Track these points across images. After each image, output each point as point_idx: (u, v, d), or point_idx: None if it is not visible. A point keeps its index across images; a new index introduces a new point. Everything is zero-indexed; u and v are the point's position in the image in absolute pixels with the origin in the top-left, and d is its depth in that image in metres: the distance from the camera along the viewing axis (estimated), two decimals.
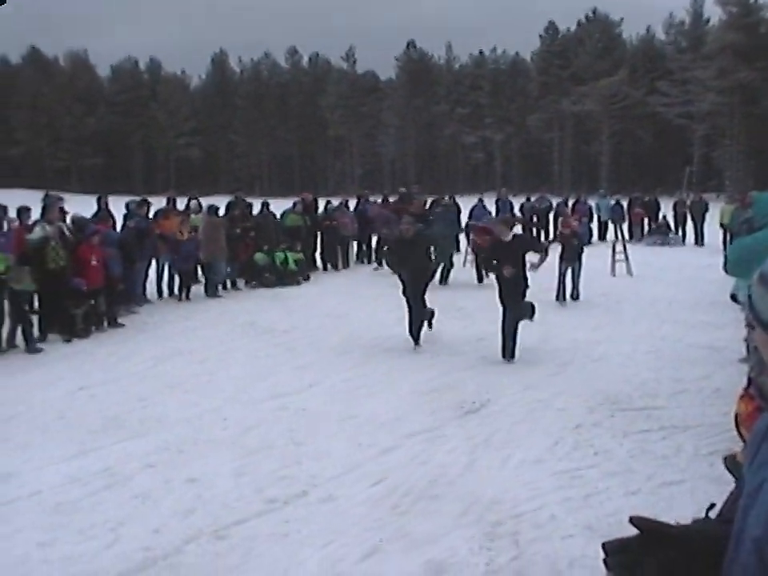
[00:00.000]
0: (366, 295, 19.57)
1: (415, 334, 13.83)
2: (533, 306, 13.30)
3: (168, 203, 22.45)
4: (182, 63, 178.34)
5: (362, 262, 26.70)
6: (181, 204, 23.19)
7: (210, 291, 20.36)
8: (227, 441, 9.06)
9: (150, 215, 20.17)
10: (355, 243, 27.17)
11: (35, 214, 16.40)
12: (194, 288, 20.22)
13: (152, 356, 13.66)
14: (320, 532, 6.62)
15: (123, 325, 16.33)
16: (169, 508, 7.16)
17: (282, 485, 7.64)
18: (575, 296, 18.22)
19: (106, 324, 16.04)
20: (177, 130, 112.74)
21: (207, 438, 9.19)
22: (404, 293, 14.02)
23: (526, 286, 12.87)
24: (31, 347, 14.08)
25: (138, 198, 20.94)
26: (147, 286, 19.47)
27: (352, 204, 27.60)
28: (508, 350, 12.67)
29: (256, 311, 17.87)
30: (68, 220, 17.11)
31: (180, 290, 19.98)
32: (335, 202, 27.41)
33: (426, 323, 14.26)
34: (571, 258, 17.90)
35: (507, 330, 12.74)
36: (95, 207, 19.86)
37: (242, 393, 11.11)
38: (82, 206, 23.85)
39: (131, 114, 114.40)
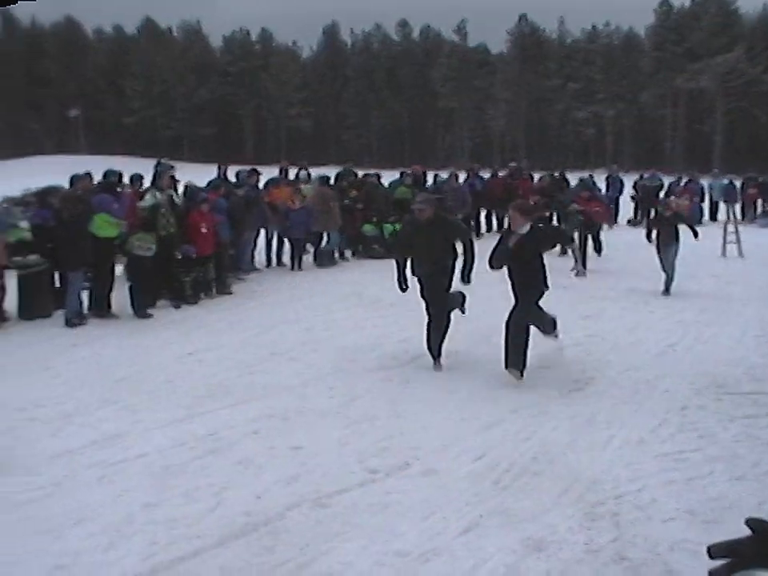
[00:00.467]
0: (474, 270, 19.47)
1: (435, 348, 11.27)
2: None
3: (281, 173, 22.64)
4: (294, 34, 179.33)
5: None
6: (292, 174, 23.35)
7: (320, 261, 20.49)
8: (332, 410, 9.13)
9: (260, 185, 20.39)
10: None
11: (147, 182, 16.70)
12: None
13: (259, 324, 13.84)
14: (420, 505, 6.65)
15: (231, 292, 16.57)
16: (272, 475, 7.26)
17: (384, 456, 7.70)
18: (670, 279, 16.58)
19: (214, 291, 16.28)
20: (288, 100, 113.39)
21: (312, 406, 9.28)
22: (422, 295, 11.41)
23: (543, 287, 10.64)
24: (141, 312, 14.35)
25: (248, 168, 21.17)
26: (256, 254, 19.72)
27: (461, 177, 27.41)
28: (511, 359, 10.39)
29: (363, 282, 17.91)
30: (180, 188, 17.38)
31: (292, 259, 20.12)
32: (444, 174, 27.28)
33: (459, 308, 11.70)
34: (668, 240, 16.40)
35: (512, 331, 10.43)
36: (215, 175, 20.14)
37: (347, 363, 11.19)
38: (194, 174, 24.14)
39: (243, 84, 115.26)
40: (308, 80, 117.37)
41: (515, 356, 10.31)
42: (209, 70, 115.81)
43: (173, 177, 17.09)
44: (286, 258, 20.32)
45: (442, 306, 11.27)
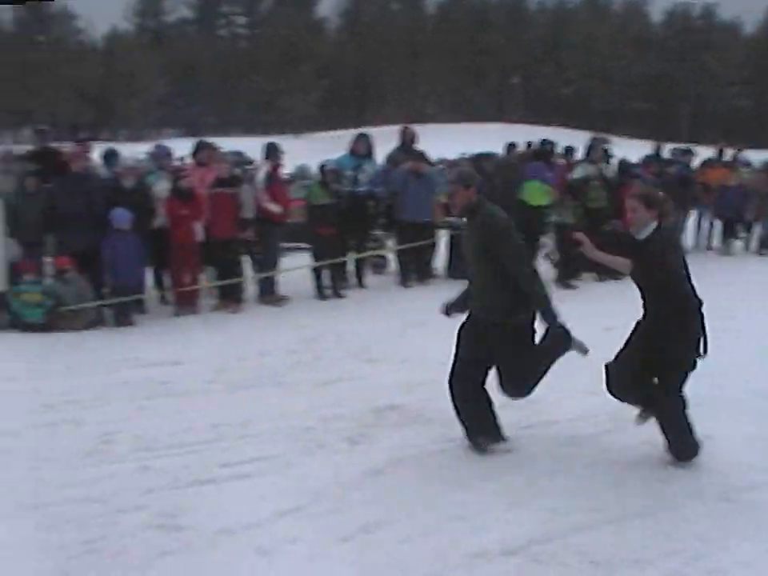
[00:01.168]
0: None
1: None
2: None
3: (718, 154, 22.03)
4: (738, 10, 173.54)
5: None
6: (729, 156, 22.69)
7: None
8: (746, 401, 8.77)
9: (694, 165, 20.01)
10: None
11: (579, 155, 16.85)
12: None
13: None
14: None
15: None
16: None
17: None
18: None
19: None
20: (728, 78, 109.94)
21: (726, 395, 8.93)
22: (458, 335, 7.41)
23: (682, 328, 6.82)
24: (564, 282, 14.60)
25: (683, 146, 20.83)
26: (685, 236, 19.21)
27: None
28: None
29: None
30: (612, 162, 17.40)
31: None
32: None
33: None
34: None
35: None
36: (648, 152, 19.95)
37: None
38: (628, 149, 23.99)
39: (683, 60, 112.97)
40: (750, 58, 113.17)
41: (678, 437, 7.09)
42: (648, 45, 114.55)
43: (606, 151, 17.14)
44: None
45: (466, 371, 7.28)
